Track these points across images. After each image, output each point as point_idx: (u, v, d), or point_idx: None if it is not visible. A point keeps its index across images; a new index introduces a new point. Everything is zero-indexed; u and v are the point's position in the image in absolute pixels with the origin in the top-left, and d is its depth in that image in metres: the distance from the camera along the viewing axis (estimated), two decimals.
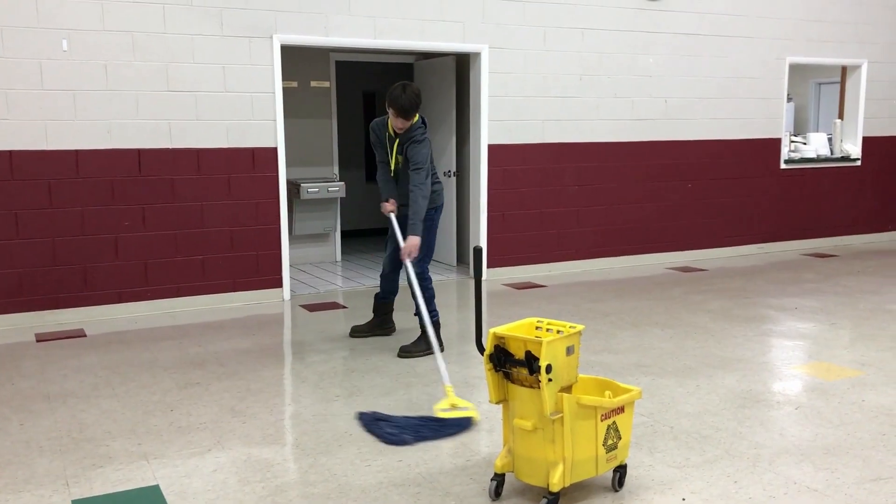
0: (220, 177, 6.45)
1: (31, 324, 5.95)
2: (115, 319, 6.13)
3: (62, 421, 4.06)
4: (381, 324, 5.65)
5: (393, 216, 5.11)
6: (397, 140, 5.06)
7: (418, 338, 5.20)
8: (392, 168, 5.17)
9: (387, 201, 5.15)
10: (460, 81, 7.99)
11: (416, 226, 4.91)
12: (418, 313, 5.10)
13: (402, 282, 5.35)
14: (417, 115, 5.01)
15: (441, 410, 4.03)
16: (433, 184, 5.11)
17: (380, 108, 10.78)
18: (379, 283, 5.59)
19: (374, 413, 4.09)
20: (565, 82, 7.72)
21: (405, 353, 5.13)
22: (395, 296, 5.59)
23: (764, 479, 3.33)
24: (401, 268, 5.31)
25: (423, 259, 5.14)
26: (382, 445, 3.71)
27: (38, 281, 5.96)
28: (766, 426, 3.92)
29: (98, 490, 3.29)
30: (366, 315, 6.26)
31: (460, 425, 3.90)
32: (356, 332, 5.66)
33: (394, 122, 4.98)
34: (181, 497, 3.22)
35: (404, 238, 4.97)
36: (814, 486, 3.26)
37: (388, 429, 3.85)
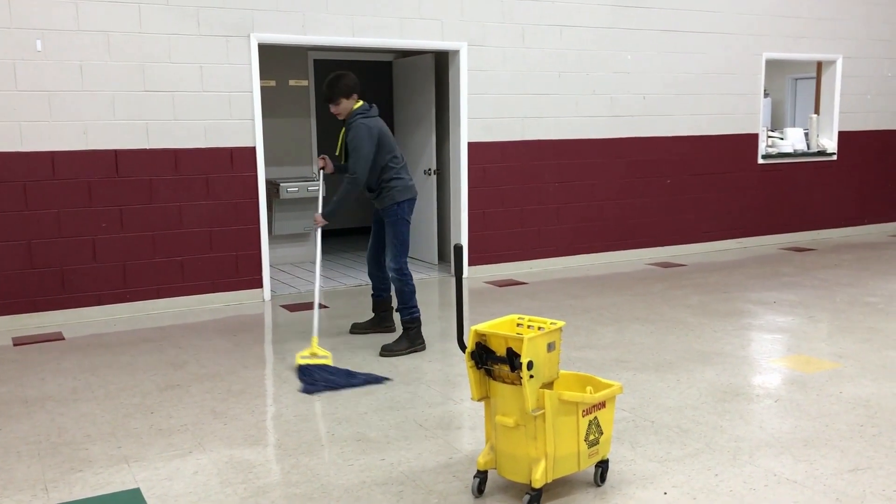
0: (198, 177, 6.41)
1: (9, 327, 5.88)
2: (94, 322, 6.08)
3: (41, 425, 4.02)
4: (380, 321, 5.65)
5: (322, 174, 5.48)
6: (343, 127, 5.25)
7: (400, 336, 5.21)
8: (338, 153, 5.36)
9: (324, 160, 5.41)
10: (439, 79, 7.99)
11: (330, 209, 5.15)
12: (399, 309, 5.15)
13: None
14: (358, 101, 5.15)
15: (302, 358, 4.83)
16: (397, 179, 5.16)
17: None
18: (370, 282, 5.64)
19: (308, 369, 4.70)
20: (544, 79, 7.74)
21: (387, 352, 5.13)
22: (387, 292, 5.60)
23: (744, 471, 3.36)
24: (383, 263, 5.36)
25: (399, 254, 5.17)
26: (365, 445, 3.71)
27: (14, 284, 5.89)
28: (746, 419, 3.95)
29: (78, 494, 3.26)
30: (347, 314, 6.26)
31: (369, 380, 4.60)
32: (356, 328, 5.67)
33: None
34: (162, 500, 3.19)
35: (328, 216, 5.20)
36: (793, 477, 3.30)
37: (304, 378, 4.60)
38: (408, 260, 5.28)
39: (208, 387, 4.57)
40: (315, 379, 4.59)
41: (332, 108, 5.18)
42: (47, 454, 3.66)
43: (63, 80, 5.89)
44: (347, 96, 5.12)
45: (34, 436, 3.87)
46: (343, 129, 5.20)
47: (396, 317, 5.62)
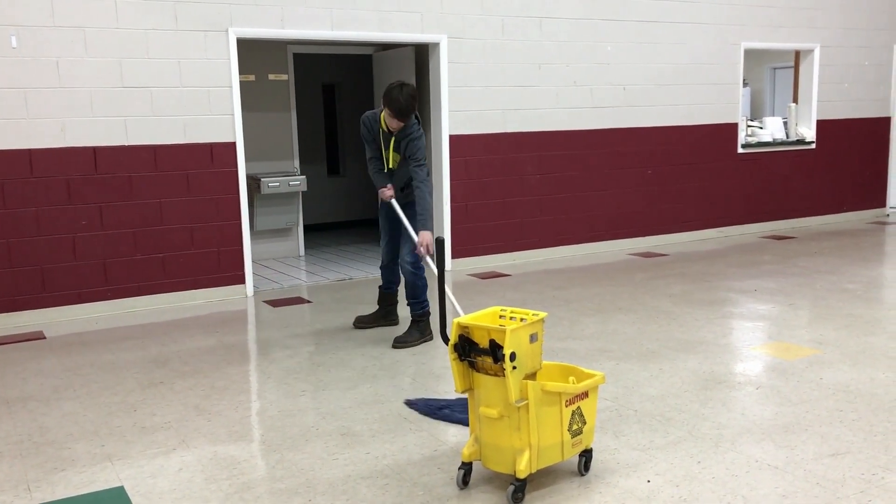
0: (178, 173, 6.37)
1: None
2: (75, 320, 6.04)
3: (22, 425, 3.99)
4: (385, 315, 5.65)
5: (395, 201, 5.13)
6: (393, 137, 5.04)
7: (410, 328, 5.25)
8: (387, 165, 5.16)
9: (385, 187, 5.15)
10: (420, 72, 7.97)
11: (427, 222, 4.98)
12: (410, 303, 5.24)
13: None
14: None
15: None
16: (430, 175, 5.17)
17: (340, 100, 10.72)
18: (380, 274, 5.60)
19: (426, 401, 4.14)
20: (525, 71, 7.75)
21: (401, 343, 5.15)
22: (397, 286, 5.60)
23: (726, 458, 3.39)
24: (398, 258, 5.35)
25: (414, 249, 5.15)
26: (350, 439, 3.71)
27: None
28: (728, 406, 3.99)
29: (61, 493, 3.24)
30: (331, 310, 6.25)
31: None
32: (360, 322, 5.64)
33: (388, 122, 4.96)
34: (147, 497, 3.18)
35: (414, 228, 5.03)
36: (774, 463, 3.33)
37: (447, 411, 3.97)
38: None
39: (191, 383, 4.55)
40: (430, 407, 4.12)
41: (396, 123, 4.92)
42: (30, 454, 3.63)
43: (39, 76, 5.83)
44: (412, 115, 4.97)
45: (16, 436, 3.85)
46: (393, 139, 5.03)
47: (400, 311, 5.64)
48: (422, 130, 5.05)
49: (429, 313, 5.28)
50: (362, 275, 7.50)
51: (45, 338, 5.61)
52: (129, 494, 3.21)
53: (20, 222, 5.88)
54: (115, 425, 3.96)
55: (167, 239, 6.38)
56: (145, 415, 4.09)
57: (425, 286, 5.26)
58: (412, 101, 4.86)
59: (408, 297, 5.28)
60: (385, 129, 5.04)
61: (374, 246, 8.73)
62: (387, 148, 5.09)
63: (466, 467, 3.19)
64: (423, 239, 4.94)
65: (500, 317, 3.23)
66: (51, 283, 6.02)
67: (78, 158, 6.01)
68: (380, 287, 5.65)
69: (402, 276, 5.45)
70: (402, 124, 4.95)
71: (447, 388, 4.34)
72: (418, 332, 5.23)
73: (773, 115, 11.32)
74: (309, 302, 6.55)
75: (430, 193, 5.05)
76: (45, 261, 5.98)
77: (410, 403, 4.13)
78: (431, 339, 5.27)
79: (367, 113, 5.20)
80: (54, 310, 6.04)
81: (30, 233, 5.91)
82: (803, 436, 3.60)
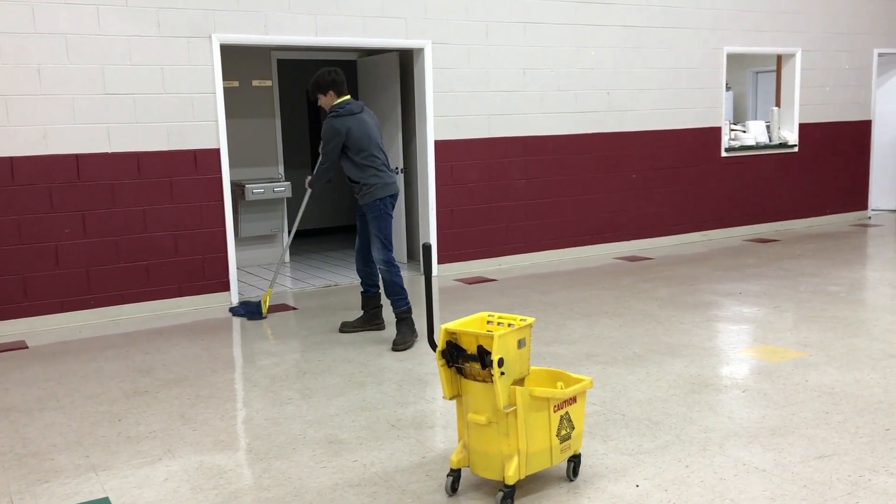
0: (161, 180, 6.33)
1: None
2: (58, 329, 5.97)
3: (4, 436, 3.94)
4: (371, 318, 5.65)
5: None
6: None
7: (401, 328, 5.29)
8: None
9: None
10: (405, 78, 7.97)
11: (314, 177, 5.56)
12: (393, 302, 5.31)
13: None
14: (340, 97, 5.28)
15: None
16: (376, 176, 5.27)
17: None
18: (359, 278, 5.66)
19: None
20: (509, 76, 7.76)
21: (400, 346, 5.19)
22: (377, 288, 5.61)
23: (714, 462, 3.40)
24: (370, 259, 5.42)
25: (385, 247, 5.29)
26: (337, 447, 3.69)
27: None
28: (715, 410, 3.99)
29: None
30: (317, 316, 6.22)
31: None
32: (346, 327, 5.66)
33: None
34: None
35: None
36: (762, 466, 3.34)
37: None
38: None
39: (176, 392, 4.52)
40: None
41: (319, 100, 5.38)
42: (12, 466, 3.59)
43: (20, 83, 5.77)
44: (324, 93, 5.32)
45: None
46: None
47: (386, 316, 5.66)
48: (331, 121, 5.27)
49: (410, 308, 5.34)
50: (348, 281, 7.47)
51: (27, 347, 5.55)
52: None
53: (1, 230, 5.81)
54: (100, 435, 3.91)
55: (151, 246, 6.34)
56: (130, 424, 4.05)
57: (401, 282, 5.32)
58: (313, 83, 5.33)
59: (388, 296, 5.34)
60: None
61: None
62: None
63: (455, 474, 3.18)
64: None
65: (488, 322, 3.22)
66: (33, 292, 5.96)
67: (60, 166, 5.96)
68: (361, 291, 5.67)
69: (376, 282, 5.56)
70: (321, 101, 5.35)
71: (434, 393, 4.32)
72: (409, 330, 5.29)
73: (756, 119, 11.39)
74: (294, 308, 6.51)
75: (322, 169, 5.39)
76: (27, 269, 5.92)
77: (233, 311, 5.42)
78: (418, 336, 5.33)
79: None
80: (37, 319, 5.98)
81: (11, 241, 5.85)
82: (790, 438, 3.61)
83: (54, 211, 5.97)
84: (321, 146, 5.36)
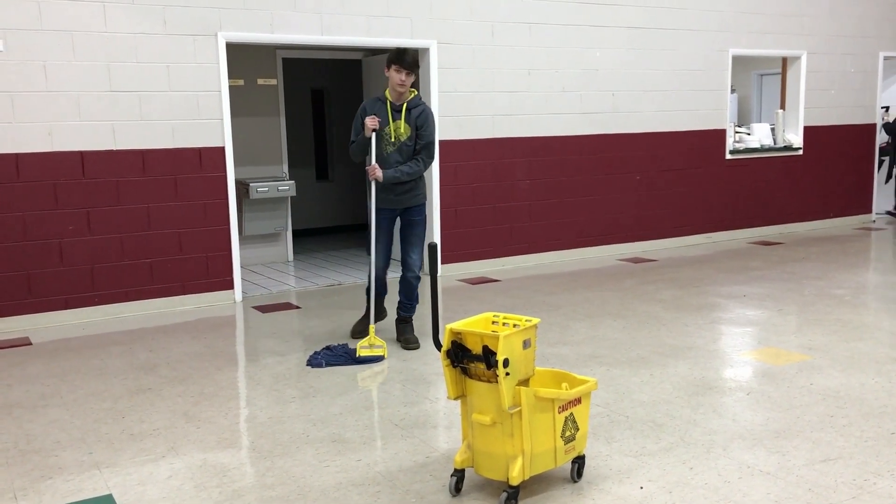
0: (166, 178, 6.33)
1: None
2: (62, 326, 5.98)
3: (8, 433, 3.94)
4: (378, 315, 5.48)
5: (380, 174, 5.02)
6: (404, 106, 5.02)
7: (406, 329, 5.31)
8: (392, 138, 5.04)
9: (370, 165, 5.04)
10: None
11: (395, 174, 5.00)
12: (411, 307, 5.37)
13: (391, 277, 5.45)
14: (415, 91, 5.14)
15: (361, 348, 4.98)
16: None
17: (329, 105, 10.70)
18: (375, 284, 5.28)
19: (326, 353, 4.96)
20: (514, 77, 7.75)
21: (413, 345, 5.21)
22: (385, 294, 5.47)
23: (718, 464, 3.39)
24: (388, 265, 5.37)
25: (422, 253, 5.44)
26: (340, 446, 3.69)
27: None
28: (719, 412, 3.99)
29: (48, 502, 3.20)
30: (320, 315, 6.22)
31: (369, 361, 4.92)
32: (357, 332, 5.43)
33: (396, 88, 4.96)
34: None
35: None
36: (766, 469, 3.33)
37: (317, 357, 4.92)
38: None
39: (180, 390, 4.52)
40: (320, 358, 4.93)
41: (405, 77, 4.95)
42: (16, 462, 3.59)
43: (27, 80, 5.78)
44: (415, 73, 5.04)
45: (1, 444, 3.80)
46: (404, 109, 5.02)
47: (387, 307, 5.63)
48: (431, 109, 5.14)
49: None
50: (351, 280, 7.47)
51: (31, 344, 5.55)
52: (118, 502, 3.18)
53: (6, 227, 5.82)
54: (103, 432, 3.92)
55: (155, 244, 6.34)
56: (133, 421, 4.05)
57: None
58: (416, 54, 5.04)
59: (407, 300, 5.32)
60: (393, 103, 5.05)
61: (363, 251, 8.69)
62: (395, 119, 5.04)
63: (459, 474, 3.17)
64: (373, 168, 4.99)
65: (493, 322, 3.22)
66: (37, 289, 5.97)
67: (65, 163, 5.97)
68: (376, 295, 5.37)
69: (387, 284, 5.42)
70: (410, 79, 4.97)
71: (438, 393, 4.32)
72: (412, 329, 5.34)
73: (760, 122, 11.38)
74: (298, 307, 6.52)
75: (418, 174, 5.09)
76: (31, 266, 5.93)
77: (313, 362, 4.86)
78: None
79: (367, 100, 5.30)
80: (41, 315, 5.98)
81: (16, 237, 5.86)
82: (795, 441, 3.61)
83: (59, 208, 5.97)
84: (429, 133, 5.03)
